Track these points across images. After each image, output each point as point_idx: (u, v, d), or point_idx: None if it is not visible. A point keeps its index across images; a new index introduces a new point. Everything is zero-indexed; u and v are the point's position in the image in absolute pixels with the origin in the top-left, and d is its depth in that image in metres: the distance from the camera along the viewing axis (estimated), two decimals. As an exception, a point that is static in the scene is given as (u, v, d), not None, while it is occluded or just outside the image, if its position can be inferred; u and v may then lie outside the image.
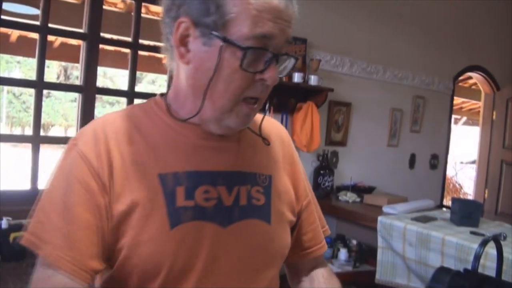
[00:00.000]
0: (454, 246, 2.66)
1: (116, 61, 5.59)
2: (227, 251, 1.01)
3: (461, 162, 9.94)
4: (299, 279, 1.28)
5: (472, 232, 2.81)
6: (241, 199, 1.04)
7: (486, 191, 5.94)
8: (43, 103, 2.92)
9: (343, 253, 3.47)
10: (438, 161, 5.29)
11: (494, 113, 5.93)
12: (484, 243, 1.23)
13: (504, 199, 5.77)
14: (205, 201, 0.99)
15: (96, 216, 0.93)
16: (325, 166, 3.96)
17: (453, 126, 5.94)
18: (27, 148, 2.82)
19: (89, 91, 2.95)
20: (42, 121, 3.17)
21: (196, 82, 0.98)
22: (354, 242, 3.56)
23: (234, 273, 1.02)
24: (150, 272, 0.95)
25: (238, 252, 1.02)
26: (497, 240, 1.27)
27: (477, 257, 1.22)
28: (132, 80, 3.16)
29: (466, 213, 3.03)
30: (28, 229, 0.93)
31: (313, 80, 3.71)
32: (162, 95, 1.10)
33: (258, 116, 1.12)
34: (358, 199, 3.85)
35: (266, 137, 1.14)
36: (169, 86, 3.29)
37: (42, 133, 2.92)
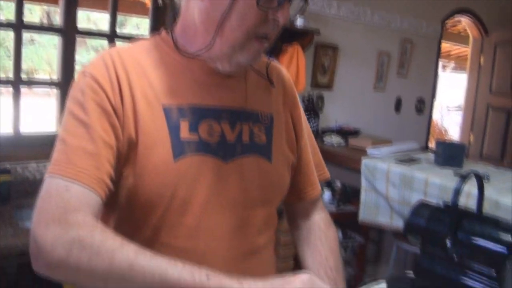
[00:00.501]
0: (438, 186, 2.69)
1: (98, 4, 5.45)
2: (227, 185, 1.03)
3: (448, 108, 9.97)
4: (296, 223, 1.30)
5: (455, 173, 2.83)
6: (243, 136, 1.06)
7: (472, 135, 5.98)
8: (27, 50, 2.87)
9: (327, 195, 3.50)
10: (424, 105, 5.28)
11: (482, 58, 5.91)
12: (464, 178, 1.23)
13: (489, 143, 5.83)
14: (209, 136, 1.01)
15: (112, 135, 0.93)
16: (310, 109, 3.95)
17: (441, 72, 5.93)
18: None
19: (69, 33, 2.88)
20: (26, 67, 3.12)
21: (209, 17, 0.98)
22: (338, 184, 3.58)
23: (233, 208, 1.04)
24: (152, 203, 0.97)
25: (238, 187, 1.04)
26: (477, 175, 1.27)
27: (457, 192, 1.22)
28: (113, 22, 3.08)
29: (449, 154, 3.04)
30: (52, 160, 0.91)
31: (299, 21, 3.64)
32: (167, 30, 1.09)
33: (263, 59, 1.14)
34: (343, 142, 3.85)
35: (270, 79, 1.16)
36: (153, 29, 3.22)
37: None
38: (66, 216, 0.82)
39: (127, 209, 1.00)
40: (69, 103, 0.96)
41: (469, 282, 1.15)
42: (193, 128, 1.00)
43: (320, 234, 1.26)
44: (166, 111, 0.99)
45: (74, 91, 0.97)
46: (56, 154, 0.91)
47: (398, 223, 2.94)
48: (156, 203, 0.97)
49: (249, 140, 1.07)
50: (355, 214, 3.20)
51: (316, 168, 1.29)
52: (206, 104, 1.03)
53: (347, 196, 3.54)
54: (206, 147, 1.01)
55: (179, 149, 0.98)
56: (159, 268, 0.77)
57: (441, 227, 1.24)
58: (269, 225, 1.14)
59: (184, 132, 0.99)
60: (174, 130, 0.98)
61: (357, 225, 3.36)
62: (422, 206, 1.34)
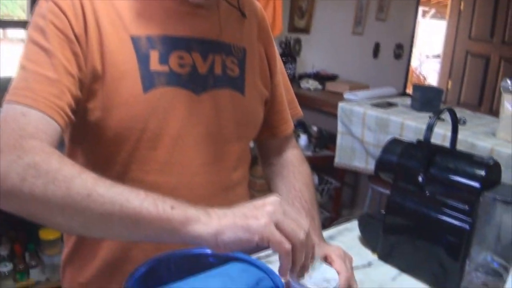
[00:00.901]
0: (413, 130, 2.67)
1: None
2: (199, 118, 1.00)
3: (427, 56, 9.93)
4: (269, 161, 1.29)
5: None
6: (215, 68, 1.03)
7: (450, 82, 5.98)
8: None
9: (303, 139, 3.47)
10: (402, 51, 5.24)
11: (462, 3, 5.83)
12: (438, 113, 1.19)
13: (467, 89, 5.83)
14: (180, 67, 0.98)
15: (74, 64, 0.89)
16: (287, 53, 3.88)
17: (421, 19, 5.86)
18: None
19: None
20: (1, 14, 3.11)
21: None
22: (315, 128, 3.55)
23: (206, 142, 1.02)
24: (121, 137, 0.94)
25: (212, 121, 1.02)
26: (451, 110, 1.23)
27: (430, 127, 1.19)
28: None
29: (427, 99, 3.03)
30: (11, 87, 0.86)
31: (275, -40, 3.52)
32: None
33: None
34: (320, 87, 3.81)
35: (242, 10, 1.12)
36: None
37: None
38: (21, 142, 0.77)
39: (96, 144, 0.97)
40: (30, 30, 0.91)
41: (442, 217, 1.13)
42: (163, 59, 0.97)
43: (294, 169, 1.25)
44: (135, 41, 0.95)
45: (35, 17, 0.92)
46: (16, 81, 0.87)
47: (373, 167, 2.94)
48: (125, 137, 0.94)
49: (221, 72, 1.04)
50: (331, 159, 3.21)
51: (288, 105, 1.27)
52: (177, 34, 0.99)
53: (324, 140, 3.52)
54: (177, 79, 0.97)
55: (149, 81, 0.94)
56: (120, 197, 0.73)
57: (413, 162, 1.21)
58: (242, 161, 1.13)
59: (154, 63, 0.96)
60: (143, 61, 0.95)
61: (333, 169, 3.37)
62: (394, 143, 1.31)
